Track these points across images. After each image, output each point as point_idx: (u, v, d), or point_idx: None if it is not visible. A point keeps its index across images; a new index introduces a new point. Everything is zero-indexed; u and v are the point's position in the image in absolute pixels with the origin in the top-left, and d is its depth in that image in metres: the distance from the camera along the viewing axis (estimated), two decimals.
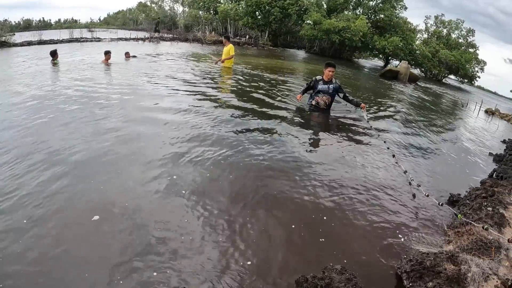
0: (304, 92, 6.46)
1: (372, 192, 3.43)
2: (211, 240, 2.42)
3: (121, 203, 2.87)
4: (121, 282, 2.06)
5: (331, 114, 6.31)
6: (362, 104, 6.16)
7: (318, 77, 6.23)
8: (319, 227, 2.69)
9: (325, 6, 29.84)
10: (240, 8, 29.28)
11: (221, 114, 5.32)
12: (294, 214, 2.84)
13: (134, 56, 13.74)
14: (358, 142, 5.06)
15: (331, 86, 6.14)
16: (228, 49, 10.33)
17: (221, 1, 32.87)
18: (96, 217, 2.65)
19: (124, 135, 4.36)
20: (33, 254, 2.27)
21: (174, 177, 3.31)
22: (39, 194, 3.00)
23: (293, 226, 2.65)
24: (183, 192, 3.03)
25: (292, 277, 2.07)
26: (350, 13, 29.78)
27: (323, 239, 2.55)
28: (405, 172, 3.99)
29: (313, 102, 6.34)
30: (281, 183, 3.31)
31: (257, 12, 29.11)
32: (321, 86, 6.17)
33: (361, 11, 30.66)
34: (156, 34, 26.65)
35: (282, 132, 4.82)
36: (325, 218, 2.86)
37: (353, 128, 5.80)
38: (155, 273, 2.11)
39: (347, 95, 6.20)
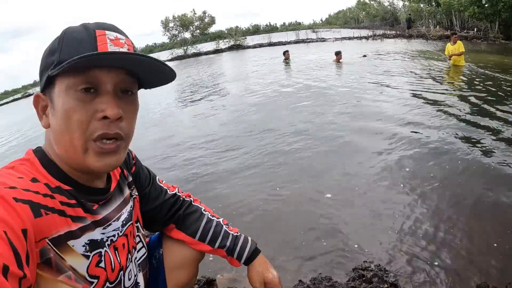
0: None
1: None
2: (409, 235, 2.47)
3: (352, 186, 3.31)
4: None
5: None
6: None
7: None
8: None
9: None
10: None
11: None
12: None
13: (364, 56, 14.31)
14: None
15: None
16: (458, 46, 9.70)
17: None
18: (328, 195, 3.16)
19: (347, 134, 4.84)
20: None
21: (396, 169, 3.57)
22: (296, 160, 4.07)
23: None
24: (402, 185, 3.21)
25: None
26: None
27: None
28: None
29: None
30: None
31: (483, 0, 24.76)
32: None
33: None
34: (408, 31, 26.40)
35: None
36: None
37: None
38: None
39: None
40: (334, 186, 3.38)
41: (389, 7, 41.06)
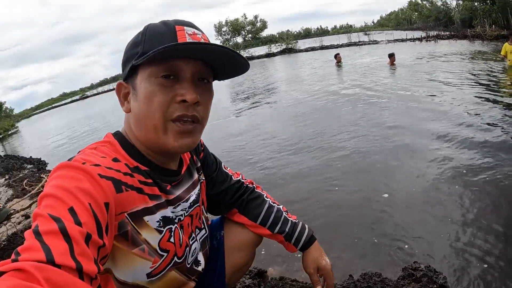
0: None
1: None
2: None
3: (409, 187, 3.35)
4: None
5: None
6: None
7: None
8: None
9: None
10: None
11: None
12: None
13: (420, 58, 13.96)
14: None
15: None
16: None
17: None
18: (385, 195, 3.21)
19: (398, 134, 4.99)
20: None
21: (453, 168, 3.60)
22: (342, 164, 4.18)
23: None
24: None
25: None
26: None
27: None
28: None
29: None
30: None
31: None
32: None
33: None
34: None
35: None
36: None
37: None
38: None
39: None
40: (392, 186, 3.44)
41: (442, 6, 39.84)
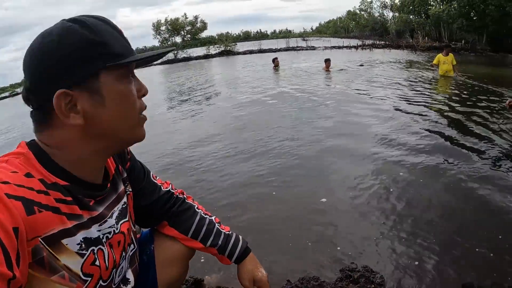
0: None
1: None
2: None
3: (344, 191, 3.36)
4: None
5: None
6: None
7: None
8: None
9: None
10: (453, 10, 26.89)
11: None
12: None
13: (361, 65, 14.42)
14: None
15: None
16: (451, 58, 10.05)
17: (432, 3, 31.37)
18: (324, 199, 3.20)
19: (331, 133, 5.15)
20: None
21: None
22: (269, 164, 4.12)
23: None
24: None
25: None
26: None
27: None
28: None
29: None
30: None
31: (471, 13, 26.00)
32: None
33: None
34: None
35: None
36: None
37: None
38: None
39: None
40: (331, 190, 3.44)
41: (379, 17, 41.98)
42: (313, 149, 4.60)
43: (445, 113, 5.97)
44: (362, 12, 46.16)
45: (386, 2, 41.19)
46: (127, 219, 1.02)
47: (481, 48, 22.67)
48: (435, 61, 10.51)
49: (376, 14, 42.93)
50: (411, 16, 32.47)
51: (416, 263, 2.22)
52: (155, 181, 1.25)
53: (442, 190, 3.20)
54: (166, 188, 1.27)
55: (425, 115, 5.86)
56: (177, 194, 1.30)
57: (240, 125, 6.34)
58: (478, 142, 4.41)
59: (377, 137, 4.81)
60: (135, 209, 1.15)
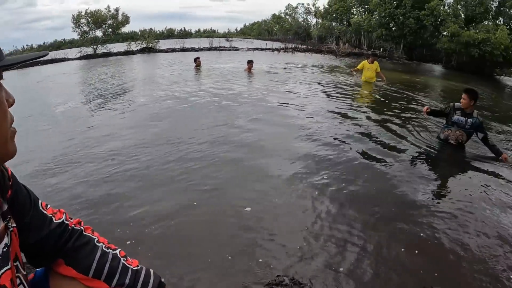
0: (434, 114, 5.22)
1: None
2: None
3: (267, 199, 3.27)
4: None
5: (466, 151, 4.87)
6: (504, 155, 4.51)
7: (457, 104, 4.86)
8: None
9: (462, 16, 27.50)
10: (374, 20, 29.02)
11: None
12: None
13: (285, 68, 14.76)
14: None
15: (469, 120, 4.72)
16: (376, 65, 10.61)
17: (354, 12, 33.05)
18: (248, 209, 3.12)
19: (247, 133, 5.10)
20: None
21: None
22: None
23: None
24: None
25: None
26: (490, 23, 27.00)
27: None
28: None
29: (442, 136, 5.02)
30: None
31: (391, 24, 28.62)
32: (457, 117, 4.81)
33: (501, 21, 27.54)
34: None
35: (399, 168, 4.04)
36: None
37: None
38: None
39: (489, 137, 4.70)
40: (255, 199, 3.28)
41: (302, 22, 43.06)
42: (234, 154, 4.42)
43: (367, 116, 6.39)
44: (287, 17, 47.22)
45: (311, 8, 42.39)
46: (9, 266, 0.83)
47: (398, 56, 24.99)
48: (359, 66, 10.95)
49: (300, 19, 44.09)
50: (333, 23, 33.52)
51: (339, 270, 2.27)
52: (45, 212, 1.04)
53: (364, 191, 3.40)
54: (59, 219, 1.06)
55: (346, 118, 6.15)
56: (73, 225, 1.09)
57: (157, 129, 5.75)
58: (395, 142, 4.98)
59: (299, 140, 4.86)
60: (23, 247, 0.96)
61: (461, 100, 4.74)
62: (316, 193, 3.31)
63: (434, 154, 4.77)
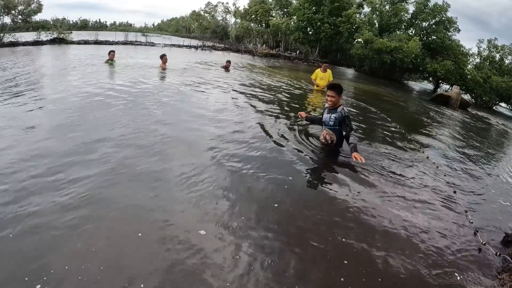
0: (312, 121, 5.30)
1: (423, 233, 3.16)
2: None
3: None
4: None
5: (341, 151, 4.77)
6: (354, 154, 4.20)
7: (326, 104, 4.72)
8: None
9: (377, 25, 29.75)
10: (292, 23, 29.71)
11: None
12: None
13: (184, 68, 14.67)
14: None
15: (333, 116, 4.53)
16: (329, 74, 10.46)
17: (273, 14, 33.66)
18: (202, 232, 2.82)
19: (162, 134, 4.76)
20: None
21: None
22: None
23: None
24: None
25: None
26: (402, 33, 29.16)
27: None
28: (466, 211, 3.67)
29: (321, 138, 4.90)
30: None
31: (308, 28, 29.46)
32: (324, 116, 4.70)
33: (413, 32, 29.99)
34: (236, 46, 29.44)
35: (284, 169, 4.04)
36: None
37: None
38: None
39: (349, 133, 4.41)
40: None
41: (221, 21, 42.74)
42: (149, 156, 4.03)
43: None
44: (206, 14, 46.56)
45: (230, 8, 42.35)
46: None
47: (314, 59, 25.78)
48: (313, 76, 10.78)
49: (219, 18, 43.88)
50: (252, 24, 33.79)
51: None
52: None
53: (296, 204, 3.29)
54: None
55: (278, 126, 5.90)
56: None
57: (64, 124, 5.05)
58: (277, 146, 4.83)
59: (214, 142, 4.64)
60: None
61: (328, 99, 4.59)
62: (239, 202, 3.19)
63: (303, 155, 4.59)
